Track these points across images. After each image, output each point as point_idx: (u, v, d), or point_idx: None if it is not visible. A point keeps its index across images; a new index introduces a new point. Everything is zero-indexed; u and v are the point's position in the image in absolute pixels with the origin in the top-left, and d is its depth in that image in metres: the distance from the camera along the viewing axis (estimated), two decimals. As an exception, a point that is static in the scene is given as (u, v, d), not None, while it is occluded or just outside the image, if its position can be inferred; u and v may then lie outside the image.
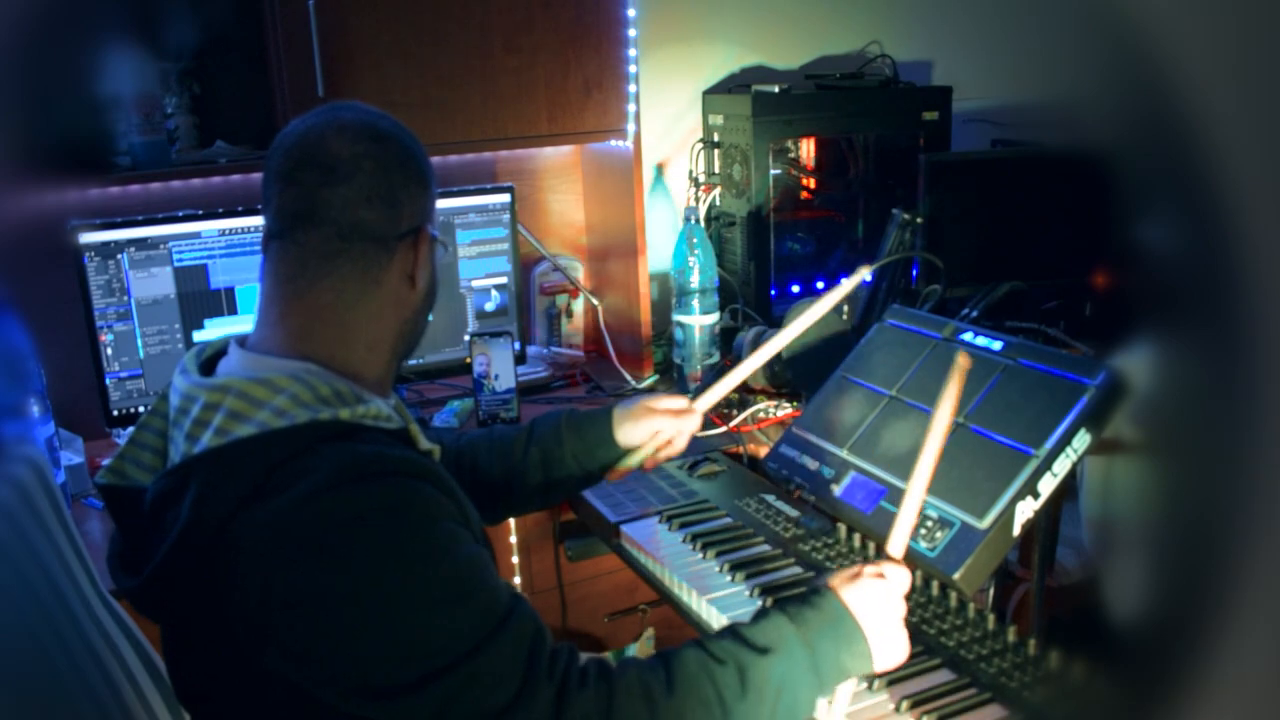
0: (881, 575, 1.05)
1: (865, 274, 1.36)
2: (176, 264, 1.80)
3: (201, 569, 0.89)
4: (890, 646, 1.03)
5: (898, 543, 1.07)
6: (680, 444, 1.35)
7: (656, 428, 1.33)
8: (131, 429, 1.03)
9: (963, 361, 1.07)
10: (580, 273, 2.32)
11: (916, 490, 1.06)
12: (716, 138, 2.29)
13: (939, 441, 1.05)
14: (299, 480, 0.88)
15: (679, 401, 1.35)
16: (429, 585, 0.89)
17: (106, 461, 1.01)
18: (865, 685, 1.10)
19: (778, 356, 1.86)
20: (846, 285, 1.34)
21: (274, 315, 1.00)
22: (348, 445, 0.91)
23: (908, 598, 1.06)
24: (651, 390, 2.12)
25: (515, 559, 1.79)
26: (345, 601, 0.87)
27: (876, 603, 1.03)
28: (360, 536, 0.87)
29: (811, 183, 2.44)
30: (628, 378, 2.17)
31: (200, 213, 1.82)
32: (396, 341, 1.05)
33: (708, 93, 2.38)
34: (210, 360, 1.03)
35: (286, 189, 0.98)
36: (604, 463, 1.34)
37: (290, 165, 0.98)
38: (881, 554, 1.09)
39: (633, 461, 1.33)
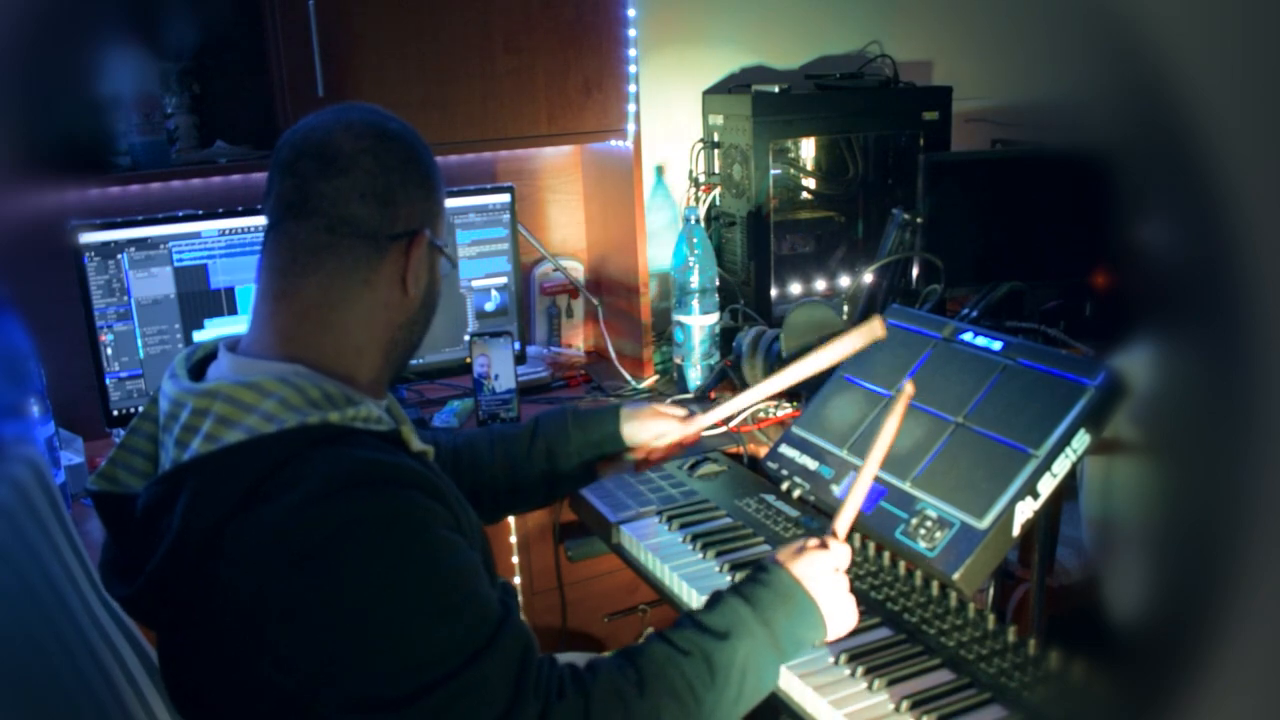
0: (825, 547, 1.11)
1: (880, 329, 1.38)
2: (176, 264, 1.80)
3: (195, 577, 0.88)
4: (840, 614, 1.09)
5: (842, 523, 1.14)
6: (676, 451, 1.38)
7: (661, 430, 1.35)
8: (122, 433, 1.02)
9: (909, 389, 1.21)
10: (580, 273, 2.32)
11: (865, 480, 1.16)
12: (716, 138, 2.29)
13: (885, 446, 1.18)
14: (290, 487, 0.87)
15: (684, 411, 1.38)
16: (422, 597, 0.88)
17: (99, 466, 1.01)
18: (865, 686, 1.11)
19: (778, 357, 1.86)
20: (862, 337, 1.37)
21: (264, 314, 0.99)
22: (339, 450, 0.90)
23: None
24: (651, 390, 2.12)
25: (515, 559, 1.79)
26: (338, 612, 0.86)
27: (824, 573, 1.09)
28: (353, 547, 0.87)
29: (811, 183, 2.44)
30: (628, 378, 2.17)
31: (200, 213, 1.82)
32: (389, 347, 1.03)
33: (708, 93, 2.38)
34: (201, 363, 1.02)
35: (284, 179, 0.98)
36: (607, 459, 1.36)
37: (293, 157, 0.98)
38: (830, 530, 1.15)
39: (629, 457, 1.35)
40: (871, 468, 1.16)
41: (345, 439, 0.93)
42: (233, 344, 1.02)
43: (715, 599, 1.08)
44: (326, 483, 0.87)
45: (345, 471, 0.89)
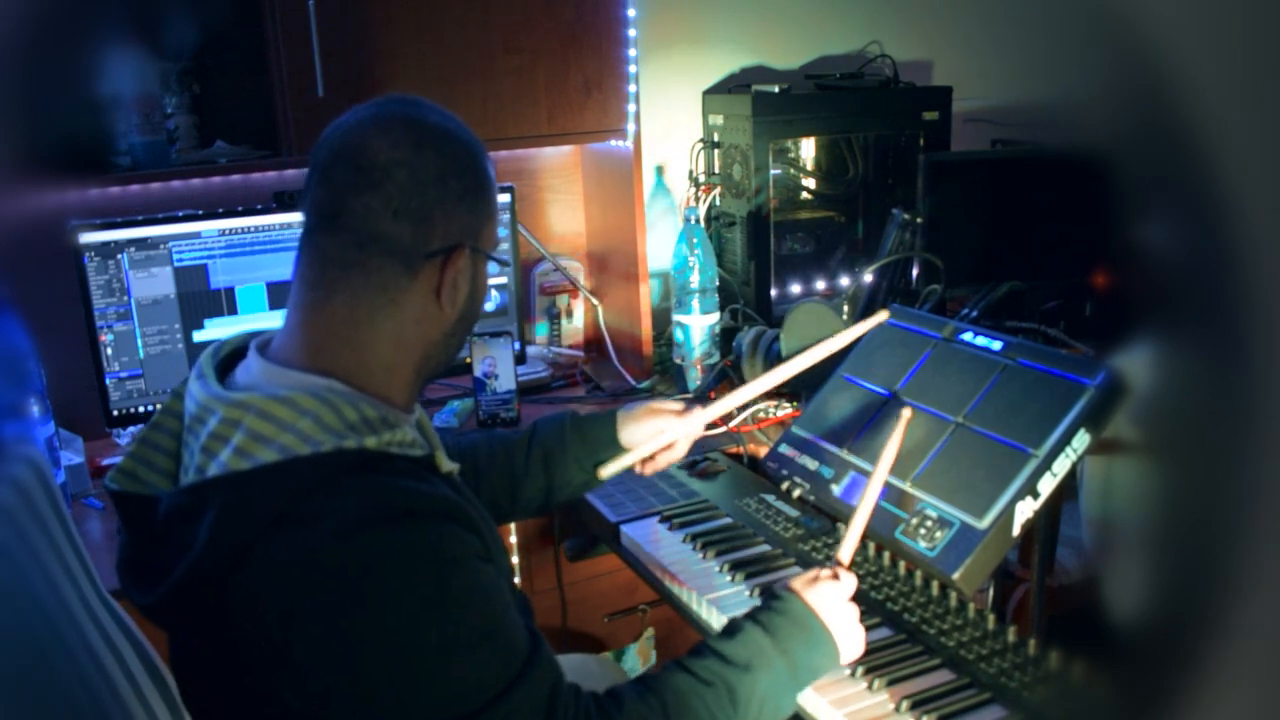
0: (836, 577, 1.12)
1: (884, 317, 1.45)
2: (176, 264, 1.80)
3: (219, 593, 0.87)
4: (851, 641, 1.10)
5: (846, 551, 1.16)
6: (681, 449, 1.36)
7: (660, 428, 1.33)
8: (141, 427, 1.00)
9: (907, 414, 1.23)
10: (580, 273, 2.32)
11: (866, 507, 1.16)
12: (716, 138, 2.29)
13: (883, 476, 1.19)
14: (325, 514, 0.85)
15: (680, 405, 1.36)
16: (454, 631, 0.87)
17: (116, 460, 0.99)
18: (865, 686, 1.11)
19: (778, 356, 1.86)
20: (867, 324, 1.43)
21: (295, 323, 0.97)
22: (374, 479, 0.89)
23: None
24: (652, 390, 2.12)
25: (515, 559, 1.79)
26: (369, 644, 0.85)
27: (835, 602, 1.10)
28: (386, 579, 0.85)
29: (811, 183, 2.44)
30: (628, 378, 2.17)
31: (200, 213, 1.82)
32: (422, 363, 1.00)
33: (708, 93, 2.38)
34: (228, 359, 1.00)
35: (319, 185, 0.95)
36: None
37: (329, 160, 0.94)
38: (836, 559, 1.15)
39: (629, 459, 1.32)
40: (872, 495, 1.16)
41: (380, 465, 0.91)
42: (264, 344, 0.99)
43: (734, 628, 1.07)
44: (362, 512, 0.86)
45: (382, 502, 0.87)
